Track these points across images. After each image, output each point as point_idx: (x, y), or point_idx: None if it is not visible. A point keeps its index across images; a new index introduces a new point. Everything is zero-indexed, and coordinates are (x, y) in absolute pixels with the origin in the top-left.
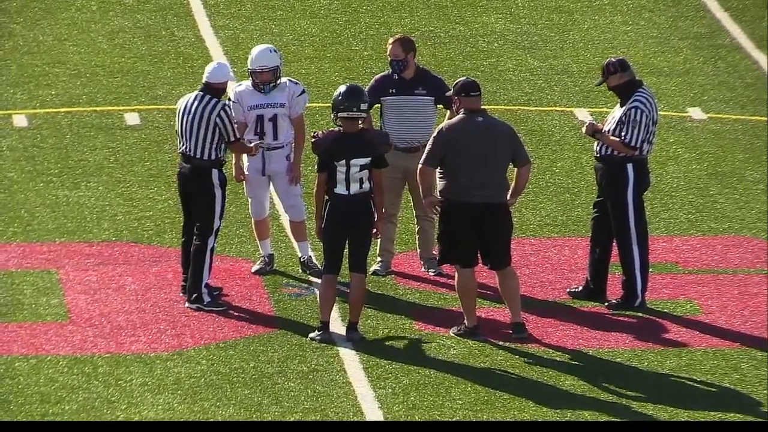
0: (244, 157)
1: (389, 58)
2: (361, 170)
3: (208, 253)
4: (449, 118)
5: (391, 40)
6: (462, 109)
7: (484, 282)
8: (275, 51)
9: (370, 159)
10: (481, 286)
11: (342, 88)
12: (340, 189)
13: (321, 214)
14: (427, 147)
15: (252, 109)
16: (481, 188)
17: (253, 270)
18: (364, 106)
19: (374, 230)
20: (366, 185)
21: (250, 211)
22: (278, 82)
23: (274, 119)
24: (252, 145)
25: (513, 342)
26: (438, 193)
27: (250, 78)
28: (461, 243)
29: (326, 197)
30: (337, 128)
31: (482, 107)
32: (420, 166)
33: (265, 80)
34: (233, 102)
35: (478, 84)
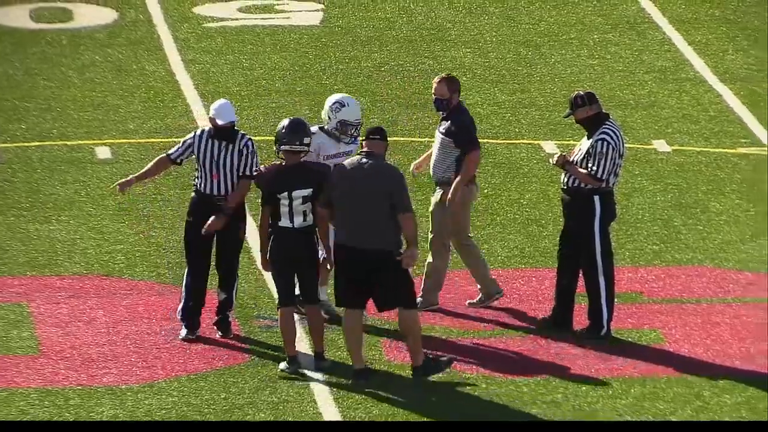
0: None
1: (433, 96)
2: (304, 202)
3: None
4: (462, 159)
5: (436, 79)
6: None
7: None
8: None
9: (311, 190)
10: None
11: (285, 122)
12: (285, 222)
13: (265, 248)
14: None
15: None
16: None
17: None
18: (306, 140)
19: (322, 260)
20: (310, 218)
21: None
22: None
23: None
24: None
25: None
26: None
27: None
28: None
29: (270, 230)
30: (279, 161)
31: (373, 150)
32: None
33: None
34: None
35: (382, 128)
